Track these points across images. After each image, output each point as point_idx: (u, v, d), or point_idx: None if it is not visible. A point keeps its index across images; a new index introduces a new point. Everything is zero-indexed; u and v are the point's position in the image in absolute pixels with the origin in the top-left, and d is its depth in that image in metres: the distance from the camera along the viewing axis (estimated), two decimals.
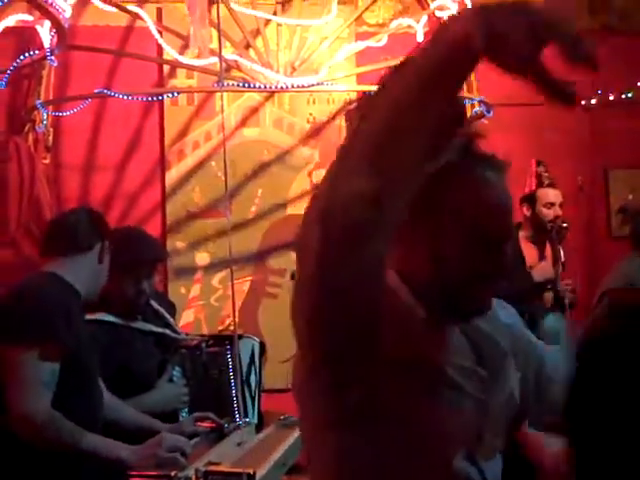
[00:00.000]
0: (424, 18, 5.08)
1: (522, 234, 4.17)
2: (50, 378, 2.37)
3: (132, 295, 2.94)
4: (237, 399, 3.01)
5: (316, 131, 5.37)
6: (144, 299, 3.02)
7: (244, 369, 3.15)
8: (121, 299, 2.91)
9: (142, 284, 2.97)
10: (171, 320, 3.21)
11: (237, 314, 5.21)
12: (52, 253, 2.66)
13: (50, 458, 2.38)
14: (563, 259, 4.00)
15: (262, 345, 3.40)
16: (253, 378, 3.23)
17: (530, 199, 4.18)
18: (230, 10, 4.50)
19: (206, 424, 2.83)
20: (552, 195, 4.16)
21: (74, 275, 2.58)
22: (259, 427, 3.11)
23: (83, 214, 2.75)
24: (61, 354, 2.39)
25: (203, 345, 3.09)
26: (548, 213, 4.12)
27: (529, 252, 4.15)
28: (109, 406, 2.66)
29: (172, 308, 3.47)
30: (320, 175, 5.36)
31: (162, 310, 3.19)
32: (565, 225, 3.97)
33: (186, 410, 3.02)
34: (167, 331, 3.12)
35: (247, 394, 3.12)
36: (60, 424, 2.33)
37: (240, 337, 3.20)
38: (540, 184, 4.18)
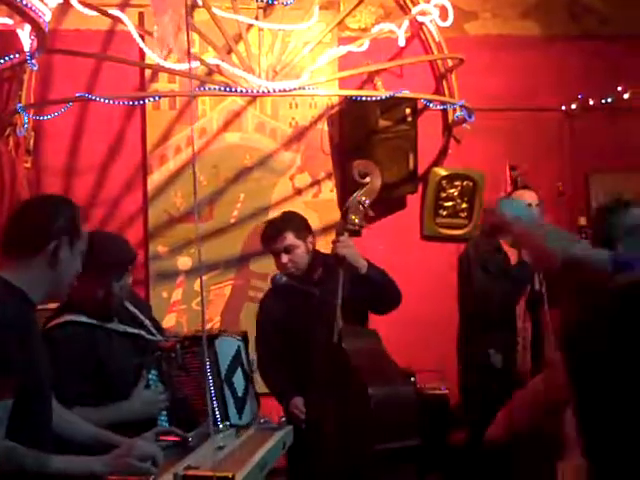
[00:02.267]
0: (405, 23, 5.11)
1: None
2: (2, 412, 2.13)
3: (102, 298, 2.92)
4: (217, 401, 2.99)
5: (298, 135, 5.38)
6: (115, 302, 2.99)
7: (224, 369, 3.13)
8: (92, 301, 2.89)
9: (112, 287, 2.95)
10: (147, 322, 3.19)
11: (219, 318, 5.23)
12: (4, 253, 2.32)
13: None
14: None
15: (244, 338, 3.35)
16: (238, 377, 3.20)
17: None
18: (212, 15, 4.51)
19: (169, 438, 2.77)
20: (527, 196, 4.19)
21: (25, 281, 2.28)
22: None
23: (40, 207, 2.42)
24: (15, 389, 2.15)
25: (178, 346, 3.06)
26: None
27: (510, 256, 4.19)
28: (64, 422, 2.52)
29: (147, 309, 3.45)
30: (302, 179, 5.37)
31: (137, 312, 3.17)
32: None
33: (165, 413, 3.01)
34: (142, 332, 3.11)
35: (228, 394, 3.09)
36: (20, 458, 2.15)
37: (217, 336, 3.16)
38: (515, 187, 4.23)
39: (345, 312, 3.39)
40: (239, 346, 3.27)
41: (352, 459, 3.23)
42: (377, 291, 3.54)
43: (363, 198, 3.53)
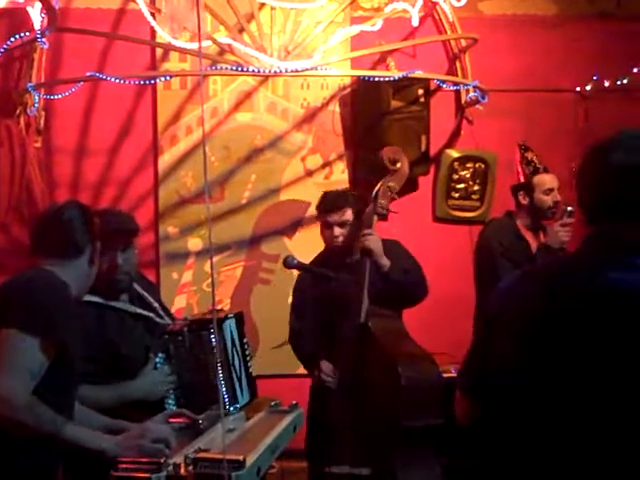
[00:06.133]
0: (419, 2, 5.04)
1: (520, 222, 4.19)
2: (38, 369, 2.34)
3: (106, 270, 2.91)
4: (225, 384, 2.97)
5: (310, 116, 5.34)
6: (121, 275, 2.98)
7: (229, 351, 3.11)
8: (97, 275, 2.86)
9: (116, 258, 2.94)
10: (156, 304, 3.18)
11: (230, 300, 5.22)
12: (46, 253, 2.63)
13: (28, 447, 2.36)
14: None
15: (239, 316, 3.32)
16: (236, 358, 3.19)
17: (527, 187, 4.17)
18: None
19: (180, 420, 2.77)
20: (549, 181, 4.15)
21: (69, 277, 2.57)
22: (252, 398, 3.12)
23: (75, 214, 2.67)
24: (56, 351, 2.39)
25: (185, 330, 3.05)
26: (547, 199, 4.11)
27: (531, 242, 4.16)
28: (79, 413, 2.62)
29: (156, 291, 3.44)
30: (313, 161, 5.34)
31: (147, 295, 3.17)
32: (570, 209, 3.93)
33: (173, 397, 3.00)
34: (152, 315, 3.10)
35: (234, 376, 3.08)
36: (40, 410, 2.29)
37: (225, 319, 3.14)
38: (535, 171, 4.17)
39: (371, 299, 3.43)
40: (230, 324, 3.23)
41: (379, 436, 3.25)
42: (395, 290, 3.57)
43: (392, 184, 3.62)
